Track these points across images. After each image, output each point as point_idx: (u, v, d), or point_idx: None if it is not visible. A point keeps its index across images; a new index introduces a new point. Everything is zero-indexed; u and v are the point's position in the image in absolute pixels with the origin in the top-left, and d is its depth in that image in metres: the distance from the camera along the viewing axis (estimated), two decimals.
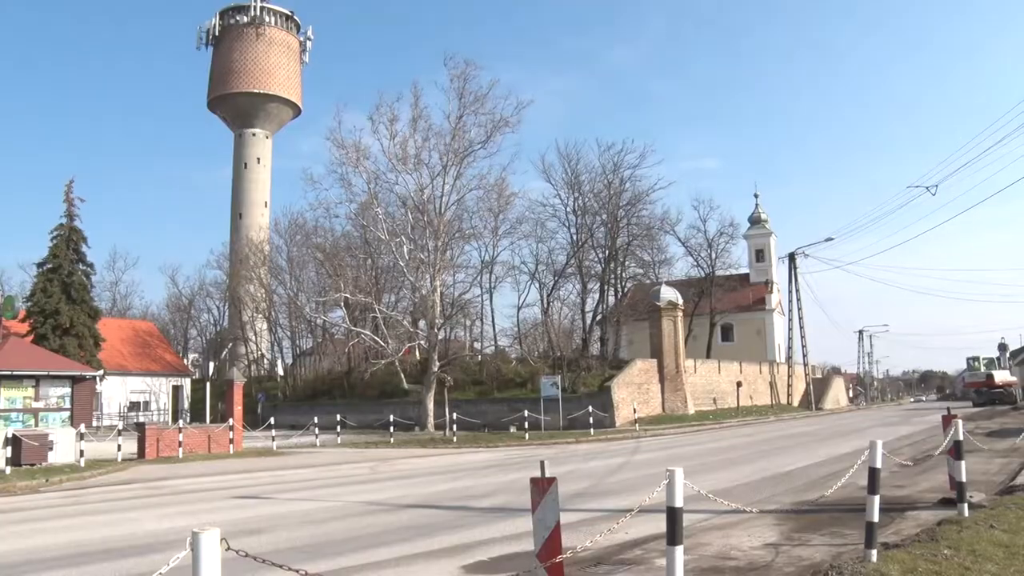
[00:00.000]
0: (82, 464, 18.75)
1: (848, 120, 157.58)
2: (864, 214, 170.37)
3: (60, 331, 34.71)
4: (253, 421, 33.33)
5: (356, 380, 42.65)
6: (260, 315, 53.08)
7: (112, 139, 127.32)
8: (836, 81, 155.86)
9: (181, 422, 29.34)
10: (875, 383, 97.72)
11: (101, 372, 33.63)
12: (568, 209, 46.51)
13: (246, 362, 52.63)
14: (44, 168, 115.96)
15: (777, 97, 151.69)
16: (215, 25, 69.97)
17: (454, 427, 29.39)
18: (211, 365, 47.57)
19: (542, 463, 5.04)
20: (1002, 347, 66.73)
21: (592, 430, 29.72)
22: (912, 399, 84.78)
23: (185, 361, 52.60)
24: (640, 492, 11.09)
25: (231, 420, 24.52)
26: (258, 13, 69.11)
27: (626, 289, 50.54)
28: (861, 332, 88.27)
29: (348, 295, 34.81)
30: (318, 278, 47.99)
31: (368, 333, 36.36)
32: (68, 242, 36.15)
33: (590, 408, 31.07)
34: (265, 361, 55.51)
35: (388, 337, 34.58)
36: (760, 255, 68.71)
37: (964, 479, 8.71)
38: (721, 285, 56.92)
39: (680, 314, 41.83)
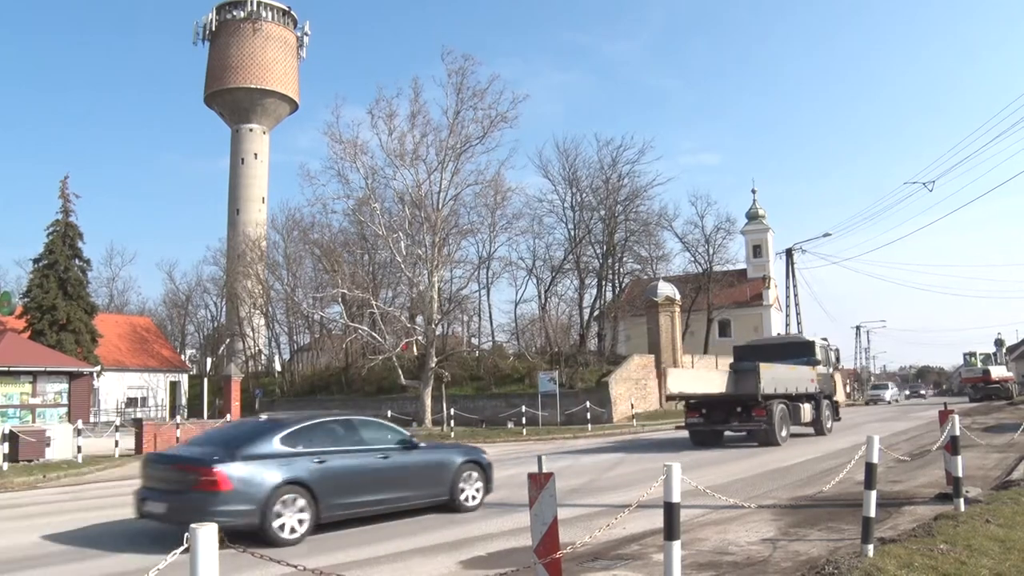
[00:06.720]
0: (80, 460, 18.74)
1: (847, 116, 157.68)
2: (862, 210, 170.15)
3: (57, 327, 34.62)
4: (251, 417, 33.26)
5: (354, 376, 42.66)
6: (257, 311, 53.04)
7: (108, 134, 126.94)
8: (836, 78, 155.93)
9: (179, 418, 29.44)
10: (872, 379, 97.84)
11: (98, 368, 33.56)
12: (566, 205, 46.56)
13: (243, 358, 52.57)
14: (40, 164, 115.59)
15: (777, 93, 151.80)
16: (212, 20, 69.75)
17: (452, 423, 29.45)
18: (208, 361, 47.43)
19: (539, 458, 5.04)
20: (999, 343, 66.93)
21: (590, 425, 29.76)
22: (923, 391, 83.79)
23: (182, 357, 52.41)
24: (638, 487, 11.11)
25: (228, 416, 24.52)
26: (255, 8, 68.90)
27: (623, 285, 50.57)
28: (858, 328, 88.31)
29: (345, 291, 34.77)
30: (315, 274, 47.98)
31: (365, 329, 36.31)
32: (64, 238, 36.04)
33: (588, 404, 31.12)
34: (262, 357, 55.46)
35: (385, 333, 34.57)
36: (757, 251, 68.73)
37: (960, 474, 8.73)
38: (718, 281, 56.94)
39: (677, 310, 41.85)
